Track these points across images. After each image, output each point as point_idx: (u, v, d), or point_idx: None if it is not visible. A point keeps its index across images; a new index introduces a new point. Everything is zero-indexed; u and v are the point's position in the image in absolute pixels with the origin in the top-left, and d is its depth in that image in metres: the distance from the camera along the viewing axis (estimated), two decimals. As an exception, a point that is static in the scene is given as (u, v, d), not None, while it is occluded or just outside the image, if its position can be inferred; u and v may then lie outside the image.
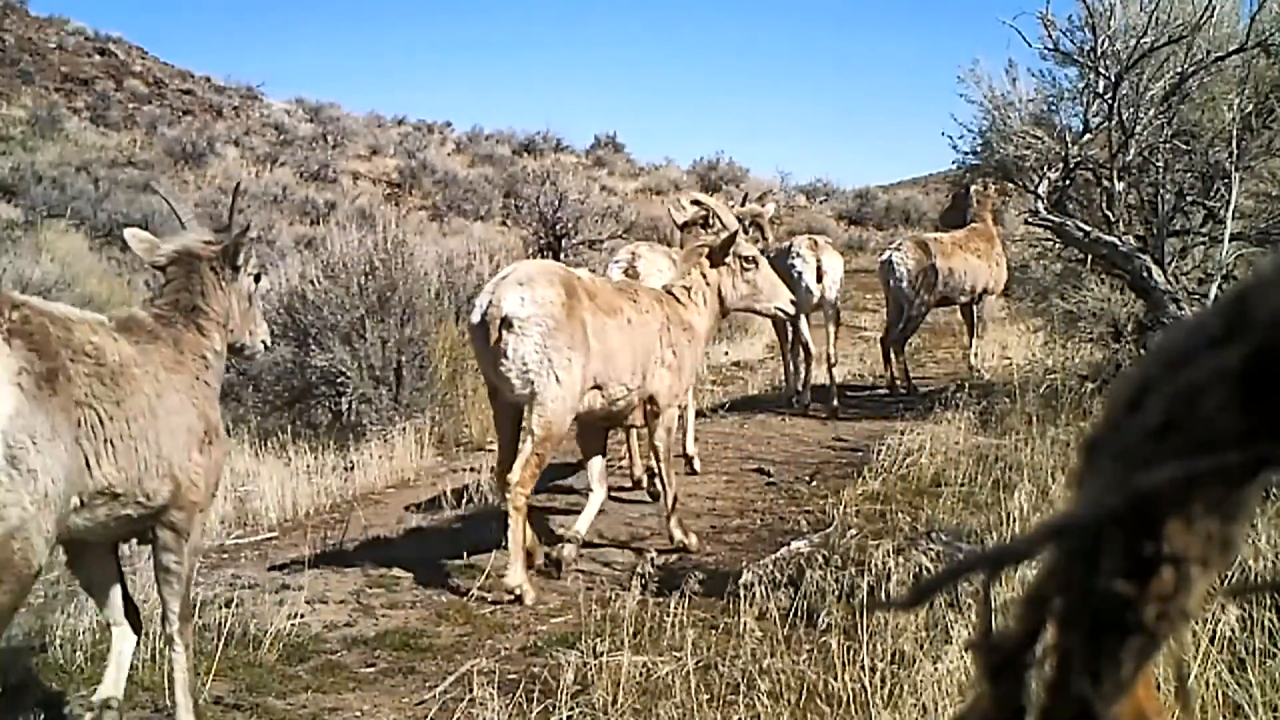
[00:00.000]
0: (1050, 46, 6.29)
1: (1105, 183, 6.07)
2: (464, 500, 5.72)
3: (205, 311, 3.08)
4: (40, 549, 2.33)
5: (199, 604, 3.96)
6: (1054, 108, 7.10)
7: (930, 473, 5.53)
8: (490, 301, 4.27)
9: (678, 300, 4.86)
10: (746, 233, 8.63)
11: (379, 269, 7.99)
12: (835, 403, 8.26)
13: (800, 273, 8.05)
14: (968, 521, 4.52)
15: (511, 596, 4.18)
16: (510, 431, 4.45)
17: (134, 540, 2.87)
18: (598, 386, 4.42)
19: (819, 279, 8.06)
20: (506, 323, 4.19)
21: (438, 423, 7.61)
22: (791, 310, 5.22)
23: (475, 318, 4.37)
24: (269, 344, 3.54)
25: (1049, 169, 6.16)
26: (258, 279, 3.38)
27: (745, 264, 4.96)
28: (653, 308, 4.71)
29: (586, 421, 4.65)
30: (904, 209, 24.73)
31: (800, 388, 8.59)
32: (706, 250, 4.99)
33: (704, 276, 4.94)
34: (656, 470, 4.93)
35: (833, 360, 8.49)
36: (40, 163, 17.98)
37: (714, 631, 3.68)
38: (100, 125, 22.85)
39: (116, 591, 2.96)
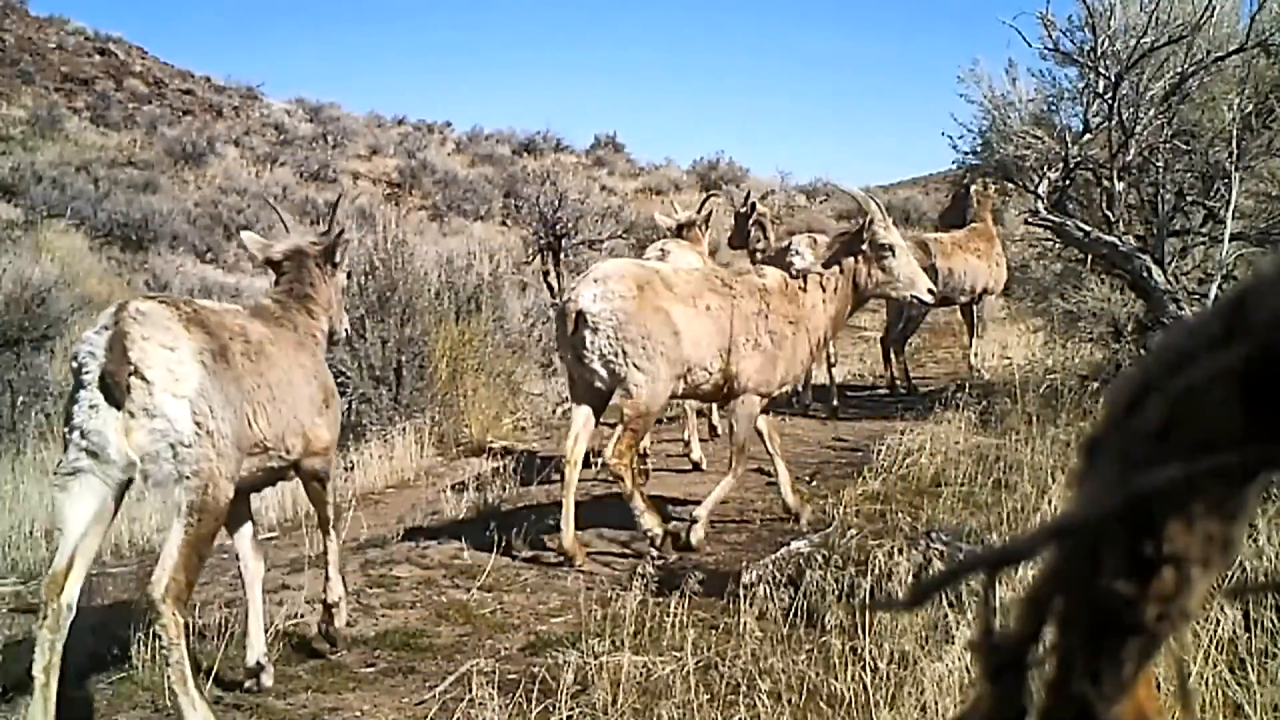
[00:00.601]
0: (1050, 46, 6.29)
1: (1105, 183, 6.07)
2: (464, 500, 5.72)
3: (314, 299, 3.71)
4: (226, 490, 2.96)
5: (199, 604, 3.96)
6: (1054, 108, 7.10)
7: (930, 473, 5.53)
8: (569, 298, 4.69)
9: (803, 286, 5.00)
10: (748, 231, 8.70)
11: (379, 269, 8.00)
12: (835, 403, 8.26)
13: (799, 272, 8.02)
14: (968, 521, 4.52)
15: (650, 539, 4.60)
16: (584, 412, 4.76)
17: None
18: (686, 371, 4.70)
19: None
20: (582, 318, 4.54)
21: (438, 423, 7.62)
22: (929, 299, 5.27)
23: (558, 313, 4.84)
24: (349, 331, 4.16)
25: (1049, 169, 6.16)
26: (349, 275, 4.06)
27: (882, 252, 5.03)
28: (747, 295, 4.86)
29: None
30: (904, 209, 24.72)
31: (800, 388, 8.59)
32: (845, 239, 5.12)
33: (838, 265, 5.05)
34: (731, 456, 5.03)
35: (833, 360, 8.49)
36: (40, 163, 17.98)
37: (714, 631, 3.67)
38: (100, 125, 22.85)
39: (248, 528, 3.55)
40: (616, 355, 4.53)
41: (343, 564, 3.81)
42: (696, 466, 6.49)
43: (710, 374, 4.76)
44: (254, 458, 3.17)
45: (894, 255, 5.02)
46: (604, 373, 4.59)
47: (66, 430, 2.86)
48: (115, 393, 2.79)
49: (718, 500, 4.92)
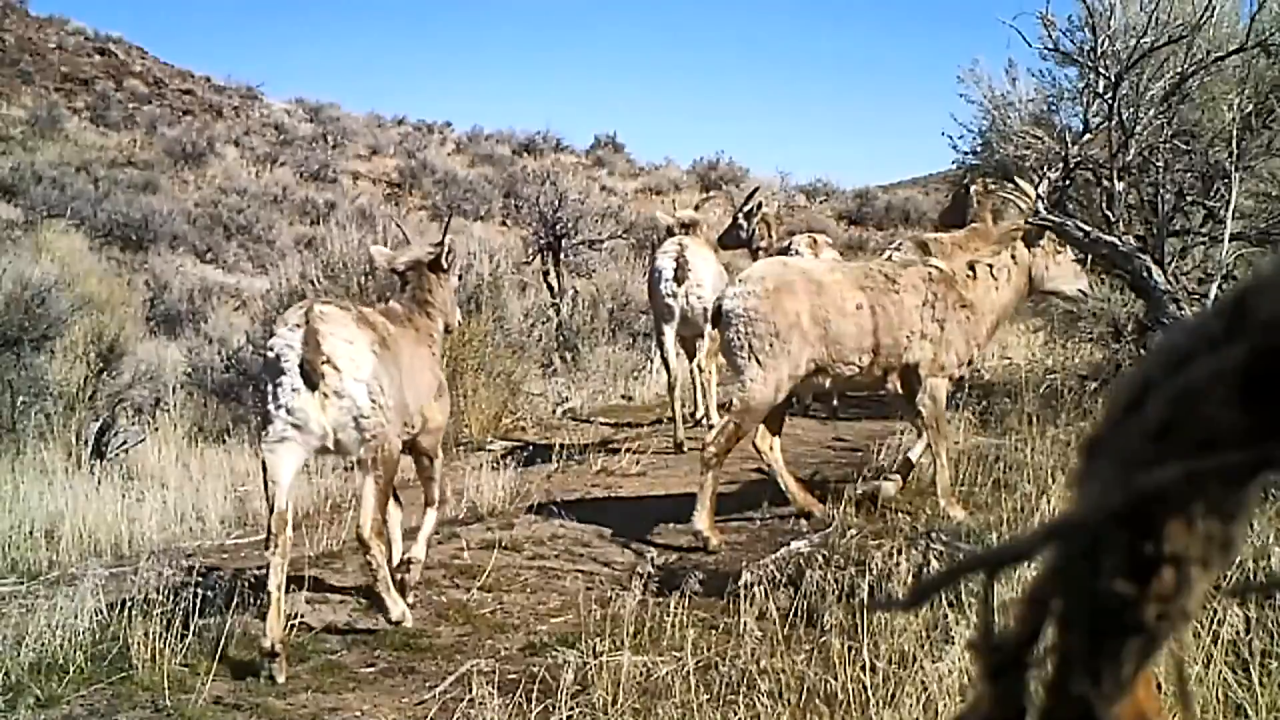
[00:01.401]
0: (1050, 46, 6.28)
1: (1105, 183, 6.07)
2: (464, 500, 5.72)
3: (431, 303, 4.34)
4: (396, 446, 3.79)
5: (199, 604, 3.96)
6: (1054, 108, 7.10)
7: (930, 473, 5.52)
8: (717, 296, 5.11)
9: (973, 274, 5.13)
10: (751, 230, 8.69)
11: (379, 269, 7.99)
12: (835, 402, 8.26)
13: None
14: (968, 521, 4.52)
15: (698, 542, 4.79)
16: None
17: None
18: (821, 369, 4.85)
19: None
20: (719, 314, 4.89)
21: (438, 423, 7.60)
22: (1088, 293, 5.43)
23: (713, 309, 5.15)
24: (460, 323, 4.85)
25: (1049, 169, 6.15)
26: (460, 277, 4.80)
27: (1059, 247, 5.18)
28: (913, 287, 5.00)
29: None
30: (904, 209, 24.73)
31: (800, 388, 8.57)
32: (1022, 232, 5.20)
33: (1014, 257, 5.17)
34: (927, 438, 5.11)
35: None
36: (40, 163, 17.98)
37: (714, 631, 3.67)
38: (100, 125, 22.86)
39: (396, 514, 4.27)
40: (742, 350, 4.78)
41: (431, 535, 4.35)
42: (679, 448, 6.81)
43: (859, 367, 4.92)
44: (406, 426, 3.91)
45: (1066, 251, 5.20)
46: (731, 364, 4.93)
47: (272, 408, 3.59)
48: (312, 378, 3.54)
49: (946, 473, 4.99)
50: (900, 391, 5.21)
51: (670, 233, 7.70)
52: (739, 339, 4.78)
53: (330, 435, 3.62)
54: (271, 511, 3.57)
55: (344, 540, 5.14)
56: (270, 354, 3.66)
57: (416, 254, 4.40)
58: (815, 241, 8.39)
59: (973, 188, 9.77)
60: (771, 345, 4.74)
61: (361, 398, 3.62)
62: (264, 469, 3.63)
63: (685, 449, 6.84)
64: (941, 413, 5.10)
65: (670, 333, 7.12)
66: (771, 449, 5.07)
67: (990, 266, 5.16)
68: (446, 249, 4.40)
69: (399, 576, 4.07)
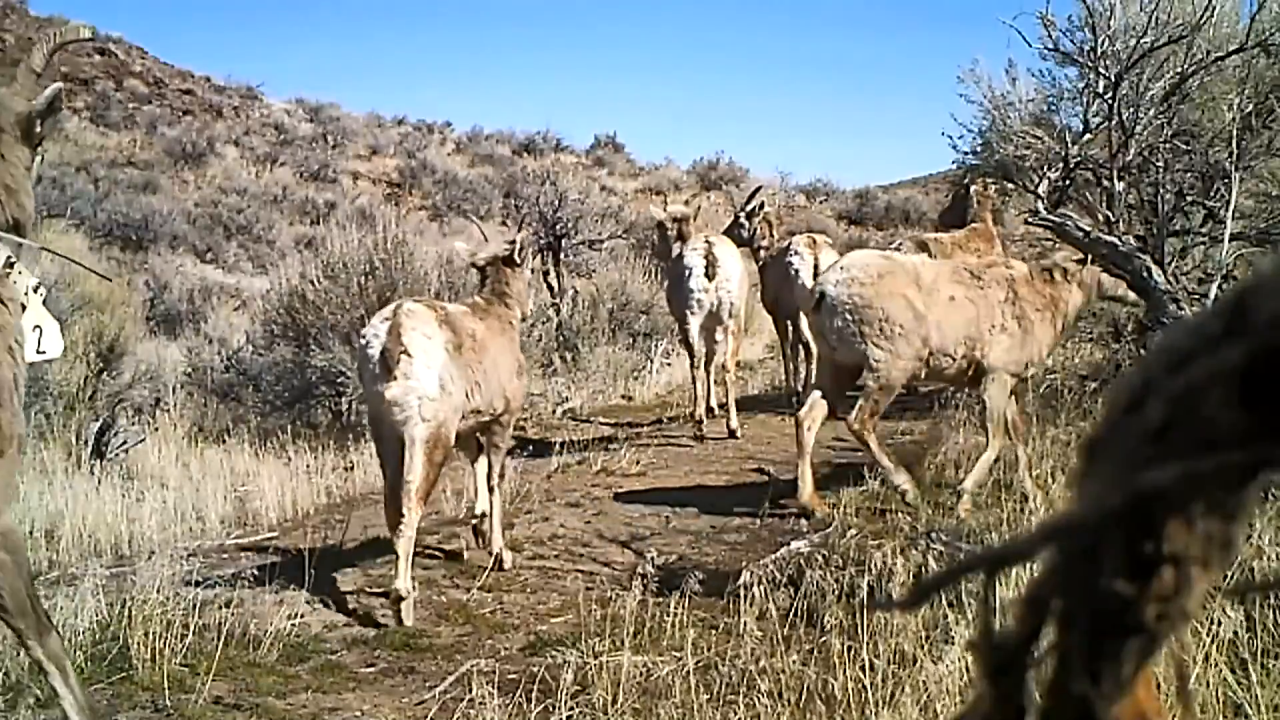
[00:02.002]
0: (1050, 46, 6.28)
1: (1105, 183, 6.07)
2: (464, 500, 5.72)
3: (509, 295, 4.81)
4: (450, 432, 4.20)
5: (199, 604, 3.96)
6: (1054, 108, 7.10)
7: (930, 473, 5.53)
8: (819, 282, 5.27)
9: (1050, 277, 5.26)
10: (753, 230, 8.72)
11: (379, 269, 8.00)
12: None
13: (798, 271, 8.04)
14: (968, 521, 4.52)
15: (901, 496, 4.95)
16: (815, 395, 5.26)
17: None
18: (928, 355, 5.03)
19: (816, 277, 8.03)
20: (824, 301, 5.04)
21: (438, 423, 7.60)
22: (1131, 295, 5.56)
23: (810, 297, 5.35)
24: (533, 311, 5.33)
25: (1049, 169, 6.15)
26: (533, 271, 5.19)
27: None
28: (995, 285, 5.16)
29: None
30: (904, 209, 24.73)
31: (800, 388, 8.58)
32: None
33: (1093, 263, 5.29)
34: (988, 430, 5.17)
35: None
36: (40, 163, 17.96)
37: (714, 631, 3.67)
38: (100, 125, 22.86)
39: (483, 463, 4.82)
40: (855, 336, 4.96)
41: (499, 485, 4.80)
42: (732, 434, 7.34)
43: (954, 359, 5.08)
44: (469, 417, 4.35)
45: None
46: (841, 349, 5.07)
47: (364, 390, 4.35)
48: (389, 365, 4.02)
49: (984, 471, 5.05)
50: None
51: (662, 226, 7.83)
52: (850, 326, 4.97)
53: (394, 413, 4.08)
54: (390, 486, 4.25)
55: (343, 540, 5.14)
56: (362, 341, 4.28)
57: (495, 251, 4.90)
58: (815, 242, 8.40)
59: (973, 188, 9.78)
60: (883, 328, 4.93)
61: (431, 386, 4.08)
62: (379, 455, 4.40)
63: (704, 429, 7.39)
64: (1005, 407, 5.15)
65: (695, 324, 7.41)
66: (810, 428, 5.17)
67: (1065, 270, 5.28)
68: (519, 246, 4.89)
69: (479, 540, 4.83)
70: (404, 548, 4.00)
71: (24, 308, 2.53)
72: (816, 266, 8.06)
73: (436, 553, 4.96)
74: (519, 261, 4.88)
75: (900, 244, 9.53)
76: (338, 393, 7.64)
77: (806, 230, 10.98)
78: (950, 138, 7.75)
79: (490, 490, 4.72)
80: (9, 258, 2.50)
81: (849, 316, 4.97)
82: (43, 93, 2.51)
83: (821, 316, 5.10)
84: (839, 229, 22.41)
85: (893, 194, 26.65)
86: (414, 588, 4.11)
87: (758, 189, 9.67)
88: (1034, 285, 5.24)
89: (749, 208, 8.78)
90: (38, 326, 2.59)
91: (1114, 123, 5.68)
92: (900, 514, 4.88)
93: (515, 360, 4.74)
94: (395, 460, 4.13)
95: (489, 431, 4.70)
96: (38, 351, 2.61)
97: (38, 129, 2.52)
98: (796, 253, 8.14)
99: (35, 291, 2.59)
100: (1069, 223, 5.33)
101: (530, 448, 7.43)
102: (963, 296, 5.09)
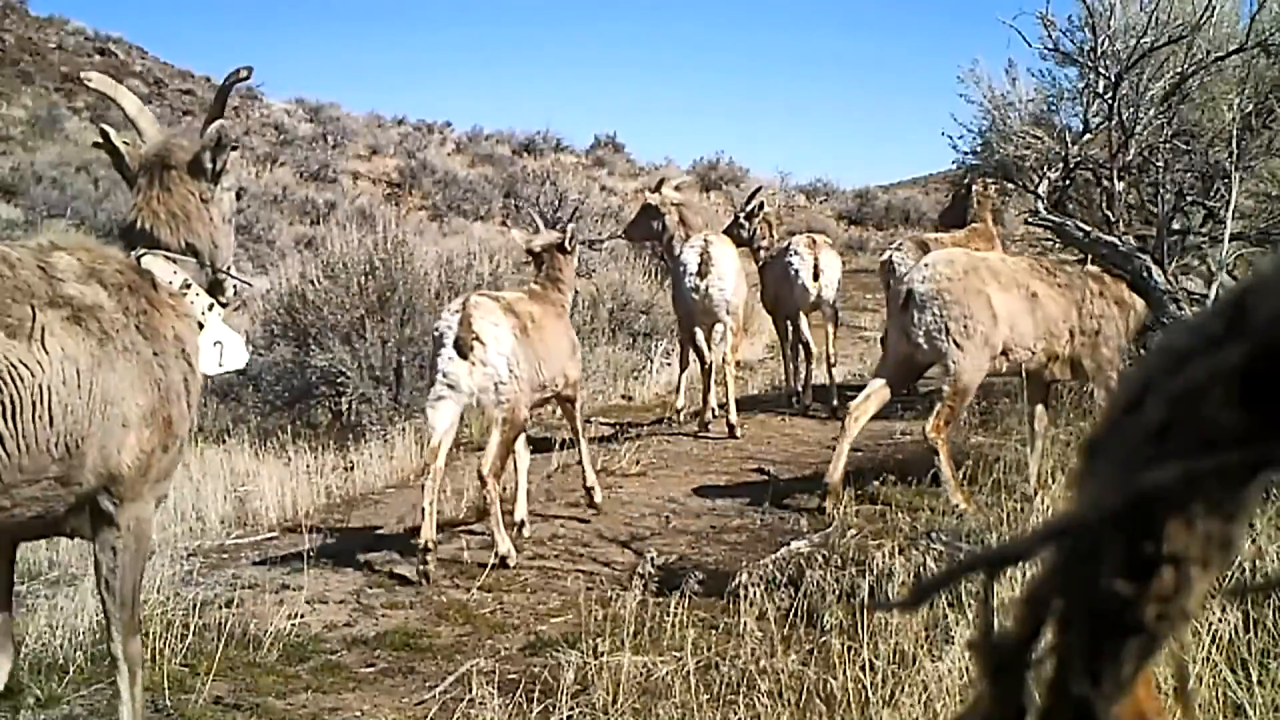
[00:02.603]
0: (1050, 46, 6.29)
1: (1105, 183, 6.07)
2: (464, 500, 5.72)
3: (562, 280, 5.39)
4: (524, 411, 4.77)
5: (199, 604, 3.96)
6: (1054, 108, 7.10)
7: (930, 473, 5.52)
8: (906, 278, 5.30)
9: (1120, 276, 5.35)
10: (753, 230, 8.73)
11: (379, 269, 8.01)
12: (835, 403, 8.26)
13: (797, 271, 8.07)
14: (968, 521, 4.52)
15: (957, 513, 4.83)
16: (879, 383, 5.32)
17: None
18: (1004, 351, 5.10)
19: (816, 277, 8.07)
20: (911, 297, 5.08)
21: (438, 423, 7.60)
22: None
23: (892, 293, 5.48)
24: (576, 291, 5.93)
25: (1049, 169, 6.15)
26: (579, 259, 5.82)
27: None
28: (1074, 282, 5.27)
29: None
30: (904, 209, 24.73)
31: (800, 388, 8.60)
32: None
33: None
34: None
35: (833, 360, 8.48)
36: (40, 163, 17.97)
37: (714, 631, 3.67)
38: (100, 125, 22.84)
39: (522, 438, 5.08)
40: (940, 332, 5.00)
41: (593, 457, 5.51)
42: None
43: (1033, 354, 5.14)
44: (538, 393, 4.90)
45: None
46: (926, 348, 5.09)
47: (433, 373, 4.68)
48: (463, 350, 4.54)
49: None
50: (1060, 378, 5.42)
51: (655, 212, 7.86)
52: (937, 321, 5.02)
53: (475, 395, 4.62)
54: (426, 446, 4.81)
55: (343, 540, 5.14)
56: (435, 332, 4.77)
57: (550, 238, 5.45)
58: (815, 242, 8.41)
59: (974, 188, 9.78)
60: (967, 326, 4.99)
61: (501, 368, 4.60)
62: (426, 419, 4.76)
63: (709, 426, 7.57)
64: None
65: (696, 323, 7.53)
66: (858, 420, 5.27)
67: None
68: (570, 234, 5.45)
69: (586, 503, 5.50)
70: (495, 520, 4.64)
71: (202, 326, 2.82)
72: (816, 267, 8.08)
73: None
74: (570, 249, 5.42)
75: (900, 244, 9.55)
76: (338, 393, 7.64)
77: (806, 230, 10.99)
78: (950, 138, 7.77)
79: (578, 440, 5.48)
80: (186, 280, 2.80)
81: (937, 313, 5.02)
82: (208, 131, 2.86)
83: (908, 313, 5.13)
84: (839, 229, 22.41)
85: (893, 194, 26.64)
86: (515, 551, 4.73)
87: (757, 189, 9.68)
88: (1107, 284, 5.32)
89: (749, 208, 8.79)
90: (218, 342, 2.88)
91: (1114, 123, 5.68)
92: (900, 514, 4.88)
93: (570, 340, 5.28)
94: (446, 430, 4.68)
95: (562, 404, 5.40)
96: (219, 365, 2.90)
97: (208, 164, 2.86)
98: (796, 253, 8.15)
99: (211, 310, 2.86)
100: (1069, 223, 5.33)
101: (530, 448, 7.43)
102: (1045, 293, 5.16)
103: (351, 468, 6.67)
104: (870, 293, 14.87)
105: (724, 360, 7.45)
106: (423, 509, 4.50)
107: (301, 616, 4.01)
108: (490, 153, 27.64)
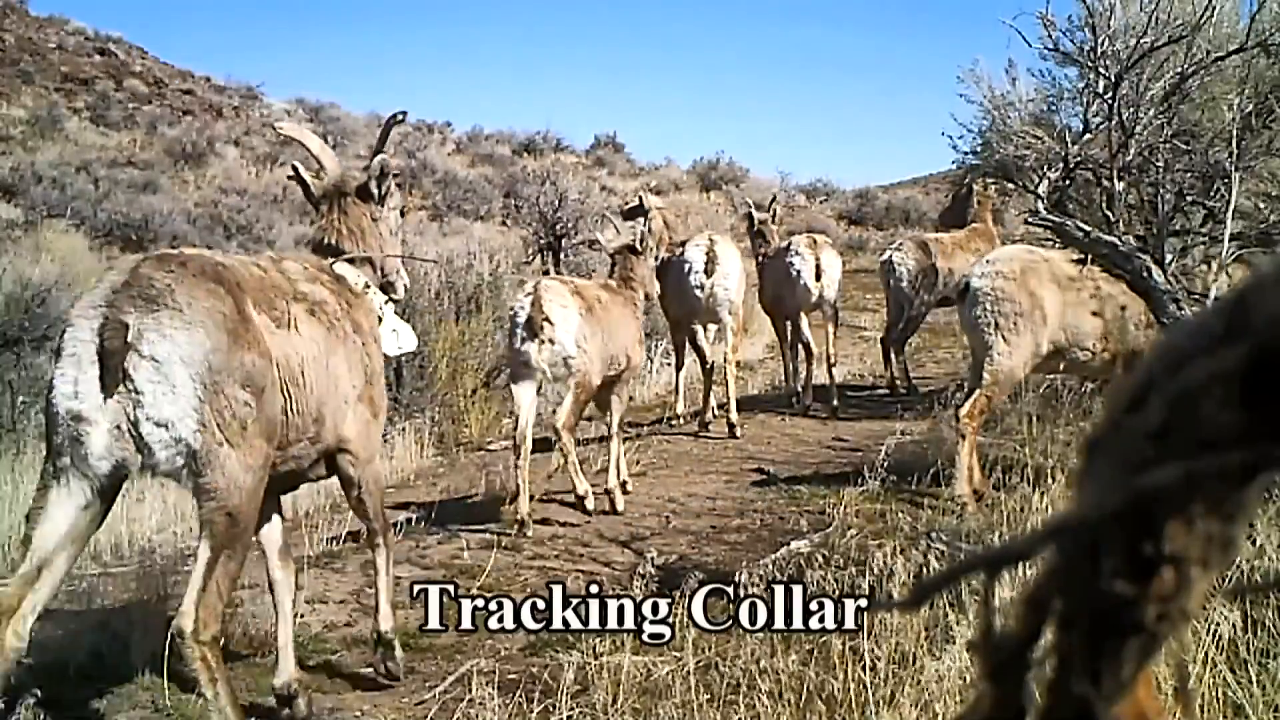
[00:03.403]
0: (1050, 46, 6.27)
1: (1105, 183, 6.06)
2: (464, 500, 5.72)
3: (634, 279, 5.97)
4: (594, 383, 5.34)
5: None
6: (1054, 108, 7.08)
7: (930, 473, 5.53)
8: (964, 274, 5.55)
9: None
10: (762, 235, 8.79)
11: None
12: (835, 403, 8.27)
13: (799, 271, 8.07)
14: (968, 521, 4.52)
15: (958, 505, 4.93)
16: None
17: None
18: (1058, 351, 5.23)
19: (818, 277, 8.07)
20: (968, 291, 5.30)
21: (437, 423, 7.61)
22: None
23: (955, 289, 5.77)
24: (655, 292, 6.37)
25: (1049, 169, 6.15)
26: (655, 258, 6.48)
27: None
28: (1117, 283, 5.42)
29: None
30: (904, 209, 24.72)
31: (800, 388, 8.60)
32: None
33: None
34: None
35: (833, 360, 8.49)
36: (40, 163, 17.96)
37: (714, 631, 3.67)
38: (100, 125, 22.85)
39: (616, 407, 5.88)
40: (989, 326, 5.18)
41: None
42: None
43: (1094, 353, 5.26)
44: (608, 364, 5.41)
45: None
46: (976, 339, 5.30)
47: (511, 354, 5.31)
48: (534, 329, 5.10)
49: None
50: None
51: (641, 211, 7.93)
52: (987, 316, 5.19)
53: (547, 371, 5.17)
54: (516, 427, 5.26)
55: (344, 541, 5.14)
56: (510, 313, 5.39)
57: (624, 241, 6.09)
58: (816, 242, 8.43)
59: (974, 188, 9.78)
60: (1017, 324, 5.14)
61: (569, 345, 5.15)
62: (512, 398, 5.38)
63: (709, 426, 7.70)
64: None
65: (698, 323, 7.59)
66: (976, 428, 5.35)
67: None
68: (642, 237, 6.10)
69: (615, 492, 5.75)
70: (573, 468, 5.32)
71: (380, 319, 3.46)
72: (818, 266, 8.10)
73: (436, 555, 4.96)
74: (641, 251, 6.03)
75: (900, 244, 9.56)
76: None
77: (807, 230, 11.00)
78: (950, 138, 7.73)
79: (611, 436, 5.82)
80: (366, 281, 3.46)
81: (988, 308, 5.18)
82: (373, 164, 3.55)
83: (965, 308, 5.31)
84: (839, 229, 22.40)
85: (893, 194, 26.64)
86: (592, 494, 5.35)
87: (774, 198, 9.75)
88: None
89: (769, 212, 9.00)
90: (395, 330, 3.53)
91: (1114, 123, 5.68)
92: (900, 514, 4.88)
93: (637, 331, 5.84)
94: (528, 405, 5.24)
95: (614, 385, 5.71)
96: (397, 348, 3.55)
97: (374, 190, 3.53)
98: (798, 253, 8.16)
99: (386, 304, 3.53)
100: (1069, 223, 5.33)
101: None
102: (1107, 293, 5.25)
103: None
104: (870, 293, 14.87)
105: (725, 360, 7.46)
106: (517, 485, 5.13)
107: (301, 616, 4.00)
108: (490, 153, 27.65)
